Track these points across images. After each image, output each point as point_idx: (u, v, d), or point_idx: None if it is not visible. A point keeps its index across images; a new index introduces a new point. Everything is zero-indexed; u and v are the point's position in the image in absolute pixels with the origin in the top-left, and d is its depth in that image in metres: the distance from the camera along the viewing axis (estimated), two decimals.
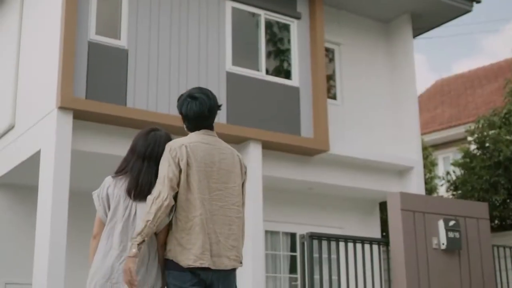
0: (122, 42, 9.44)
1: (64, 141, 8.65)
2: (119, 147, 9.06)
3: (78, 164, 9.18)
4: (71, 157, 8.70)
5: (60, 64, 8.74)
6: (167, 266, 3.81)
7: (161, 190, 3.73)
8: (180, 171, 3.80)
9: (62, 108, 8.68)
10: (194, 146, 3.88)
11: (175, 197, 3.82)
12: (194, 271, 3.74)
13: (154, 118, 9.08)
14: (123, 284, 3.68)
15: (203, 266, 3.73)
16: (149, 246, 3.77)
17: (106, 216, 3.90)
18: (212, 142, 3.98)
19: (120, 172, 3.96)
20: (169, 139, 3.99)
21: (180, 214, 3.80)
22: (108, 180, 3.98)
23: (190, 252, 3.74)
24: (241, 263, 3.99)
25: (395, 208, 8.45)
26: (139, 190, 3.82)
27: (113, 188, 3.90)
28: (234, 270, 3.94)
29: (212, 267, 3.78)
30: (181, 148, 3.84)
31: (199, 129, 4.01)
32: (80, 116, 8.91)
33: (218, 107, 4.08)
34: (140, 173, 3.86)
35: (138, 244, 3.65)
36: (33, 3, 10.34)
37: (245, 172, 4.14)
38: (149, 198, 3.74)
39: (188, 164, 3.82)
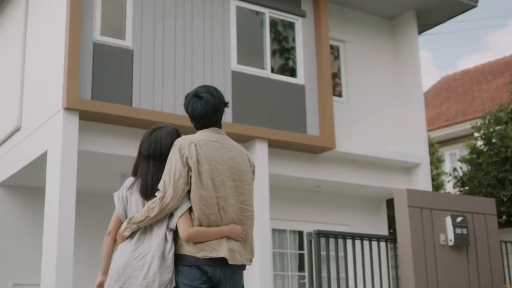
0: (127, 42, 9.45)
1: (70, 142, 8.68)
2: (125, 147, 9.09)
3: (84, 165, 9.20)
4: (77, 158, 8.73)
5: (65, 65, 8.76)
6: (176, 262, 3.82)
7: (166, 191, 3.77)
8: (189, 169, 3.81)
9: (68, 109, 8.70)
10: (203, 144, 3.89)
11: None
12: (202, 269, 3.75)
13: (160, 118, 9.08)
14: (136, 278, 3.74)
15: (218, 256, 3.74)
16: (167, 239, 3.80)
17: (125, 214, 3.97)
18: (220, 140, 3.98)
19: (133, 175, 4.01)
20: (175, 133, 4.01)
21: (196, 211, 3.81)
22: (127, 181, 4.04)
23: (205, 244, 3.77)
24: (251, 261, 4.00)
25: (402, 205, 8.43)
26: (151, 191, 3.88)
27: (130, 193, 3.98)
28: (241, 268, 3.94)
29: (229, 261, 3.79)
30: (190, 146, 3.85)
31: (206, 128, 4.02)
32: (86, 117, 8.93)
33: (225, 104, 4.08)
34: (147, 175, 3.92)
35: (131, 231, 3.83)
36: (37, 5, 10.36)
37: (253, 171, 4.14)
38: (157, 194, 3.80)
39: (198, 161, 3.82)
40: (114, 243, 3.98)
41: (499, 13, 50.15)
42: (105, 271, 3.98)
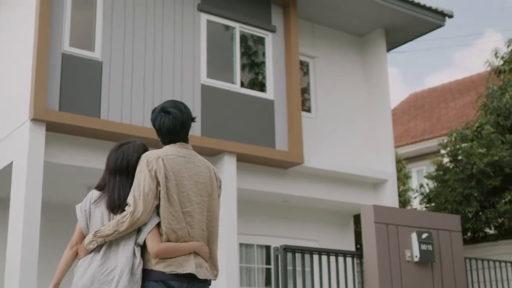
0: (96, 54, 9.40)
1: (37, 153, 8.58)
2: (92, 160, 9.01)
3: (50, 176, 9.10)
4: (43, 169, 8.63)
5: (33, 75, 8.68)
6: (142, 277, 3.79)
7: (137, 205, 3.75)
8: (158, 184, 3.80)
9: (35, 120, 8.61)
10: (171, 159, 3.88)
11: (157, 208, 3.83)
12: (168, 284, 3.73)
13: (128, 131, 9.05)
14: None
15: (185, 272, 3.73)
16: (136, 254, 3.77)
17: (88, 227, 3.91)
18: (187, 155, 3.98)
19: (99, 188, 3.97)
20: (141, 148, 3.99)
21: (164, 226, 3.79)
22: (91, 194, 3.99)
23: (173, 259, 3.75)
24: (216, 276, 4.00)
25: (369, 221, 8.48)
26: (118, 205, 3.85)
27: (94, 207, 3.92)
28: (207, 283, 3.93)
29: (198, 275, 3.78)
30: (157, 160, 3.84)
31: (173, 142, 4.02)
32: (53, 128, 8.84)
33: (192, 119, 4.08)
34: (114, 189, 3.89)
35: (97, 244, 3.78)
36: (6, 15, 10.27)
37: (220, 186, 4.14)
38: (127, 209, 3.77)
39: (166, 177, 3.82)
40: (75, 257, 3.93)
41: (466, 32, 51.03)
42: (57, 284, 3.93)
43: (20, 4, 9.81)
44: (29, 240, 8.27)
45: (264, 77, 11.14)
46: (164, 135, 4.03)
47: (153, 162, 3.83)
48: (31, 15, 9.09)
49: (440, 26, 12.75)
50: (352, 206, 12.10)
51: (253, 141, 10.49)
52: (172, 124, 3.99)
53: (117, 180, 3.90)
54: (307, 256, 8.37)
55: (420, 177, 18.77)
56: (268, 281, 11.64)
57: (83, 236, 3.93)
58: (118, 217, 3.77)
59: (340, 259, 8.62)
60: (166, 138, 4.03)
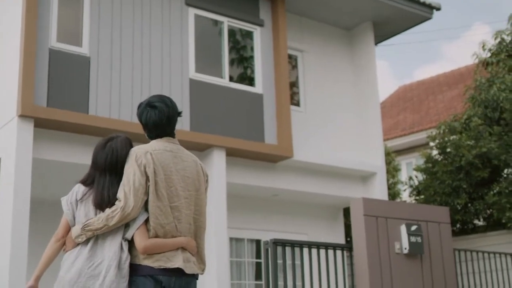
0: (84, 49, 9.36)
1: (25, 149, 8.55)
2: (81, 155, 8.99)
3: (39, 173, 9.07)
4: (32, 166, 8.60)
5: (20, 71, 8.64)
6: (130, 272, 3.79)
7: (127, 200, 3.75)
8: (147, 179, 3.80)
9: (22, 116, 8.58)
10: (159, 153, 3.90)
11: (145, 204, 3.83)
12: (157, 279, 3.74)
13: (117, 126, 9.02)
14: None
15: (174, 267, 3.75)
16: (123, 248, 3.77)
17: (74, 220, 3.90)
18: (174, 150, 3.99)
19: (85, 184, 3.94)
20: (129, 143, 3.98)
21: (151, 221, 3.80)
22: (78, 188, 3.97)
23: (161, 254, 3.77)
24: (203, 270, 4.01)
25: (358, 214, 8.50)
26: (107, 203, 3.85)
27: (81, 201, 3.91)
28: (195, 277, 3.95)
29: (186, 270, 3.80)
30: (146, 155, 3.85)
31: (160, 137, 4.02)
32: (41, 124, 8.81)
33: (178, 114, 4.09)
34: (104, 188, 3.88)
35: (85, 238, 3.78)
36: None
37: (207, 180, 4.16)
38: (117, 204, 3.77)
39: (155, 171, 3.83)
40: (60, 250, 3.92)
41: (454, 25, 51.19)
42: (39, 277, 3.92)
43: None
44: (18, 237, 8.25)
45: (252, 71, 11.14)
46: (151, 130, 4.04)
47: (142, 157, 3.84)
48: (17, 10, 9.04)
49: (427, 18, 12.79)
50: (342, 199, 12.13)
51: (242, 135, 10.49)
52: (158, 118, 3.99)
53: (107, 178, 3.88)
54: (297, 250, 8.38)
55: (409, 170, 18.83)
56: (258, 275, 11.66)
57: (69, 229, 3.91)
58: (108, 211, 3.78)
59: (330, 252, 8.65)
60: (153, 133, 4.04)
